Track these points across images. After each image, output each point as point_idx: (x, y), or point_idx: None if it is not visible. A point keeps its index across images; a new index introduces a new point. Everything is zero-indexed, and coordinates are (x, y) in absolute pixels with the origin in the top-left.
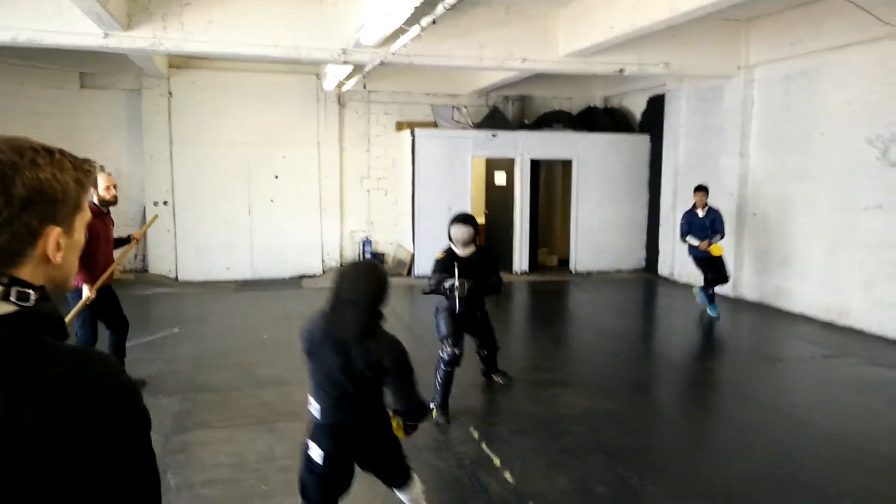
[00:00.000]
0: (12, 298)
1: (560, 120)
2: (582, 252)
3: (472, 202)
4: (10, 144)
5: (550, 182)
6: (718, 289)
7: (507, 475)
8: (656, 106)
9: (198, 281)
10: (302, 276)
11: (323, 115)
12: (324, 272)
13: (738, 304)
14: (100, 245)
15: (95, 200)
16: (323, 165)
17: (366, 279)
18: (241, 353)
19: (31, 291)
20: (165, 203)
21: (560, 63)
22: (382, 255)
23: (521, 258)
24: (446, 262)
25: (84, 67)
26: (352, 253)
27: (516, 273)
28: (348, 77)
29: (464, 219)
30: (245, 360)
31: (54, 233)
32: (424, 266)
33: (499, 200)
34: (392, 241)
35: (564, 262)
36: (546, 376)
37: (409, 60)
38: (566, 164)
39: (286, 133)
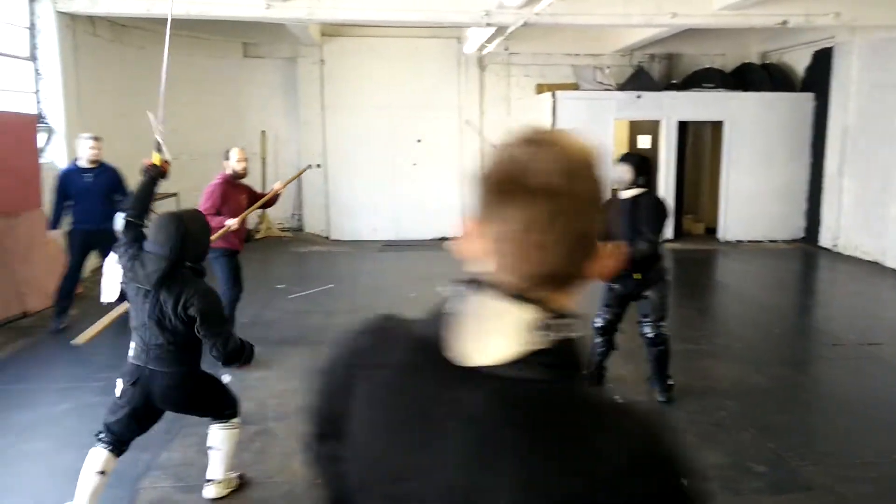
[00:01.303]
0: (545, 328)
1: (711, 79)
2: (732, 219)
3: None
4: (571, 150)
5: (698, 145)
6: (892, 261)
7: None
8: (823, 61)
9: (347, 240)
10: (443, 238)
11: (464, 79)
12: None
13: None
14: (228, 210)
15: (229, 172)
16: (464, 129)
17: (165, 231)
18: (390, 310)
19: (570, 321)
20: (319, 166)
21: (714, 17)
22: None
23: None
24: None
25: (246, 38)
26: None
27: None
28: (489, 40)
29: (623, 158)
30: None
31: (604, 251)
32: None
33: None
34: None
35: (711, 231)
36: (693, 347)
37: (554, 20)
38: (716, 126)
39: (428, 97)
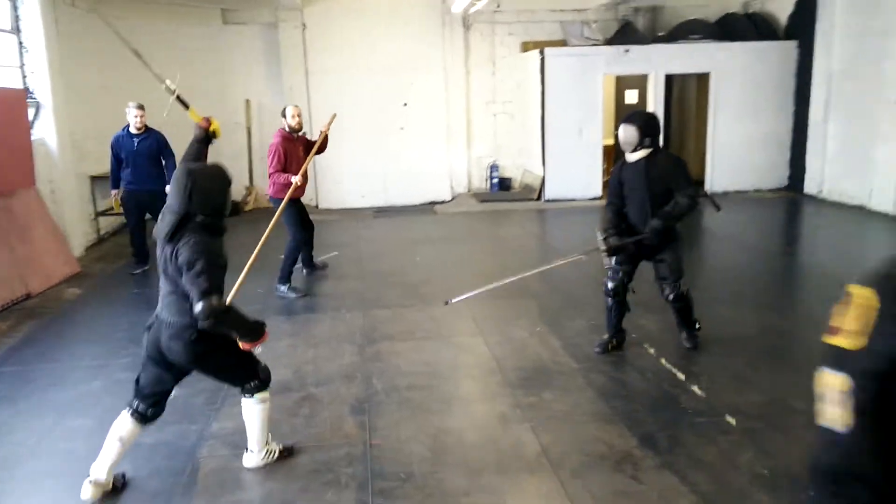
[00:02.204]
0: None
1: (697, 30)
2: (719, 171)
3: (603, 122)
4: None
5: (683, 98)
6: (877, 204)
7: (696, 389)
8: (806, 9)
9: (336, 209)
10: (432, 203)
11: (448, 39)
12: (452, 198)
13: None
14: (292, 163)
15: (286, 128)
16: (449, 91)
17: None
18: (400, 274)
19: None
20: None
21: None
22: (510, 179)
23: None
24: (613, 184)
25: (225, 4)
26: (479, 179)
27: None
28: None
29: (627, 118)
30: (406, 280)
31: None
32: (556, 190)
33: None
34: (518, 165)
35: (697, 183)
36: (705, 295)
37: None
38: (700, 78)
39: (413, 59)
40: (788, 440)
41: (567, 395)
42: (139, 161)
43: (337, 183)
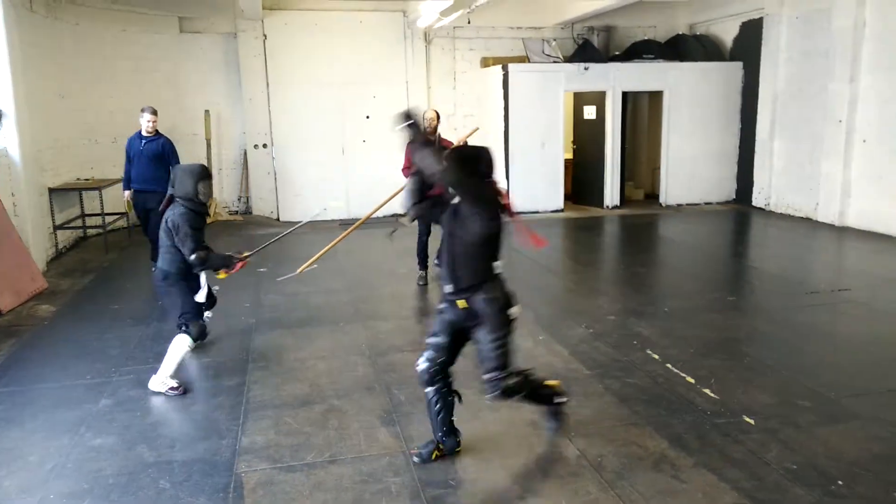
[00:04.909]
0: None
1: (650, 50)
2: (672, 184)
3: (564, 137)
4: None
5: (636, 114)
6: (823, 216)
7: (709, 392)
8: (751, 32)
9: (297, 221)
10: (395, 216)
11: (410, 53)
12: None
13: (844, 232)
14: None
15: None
16: (411, 103)
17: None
18: (387, 285)
19: None
20: (265, 146)
21: None
22: None
23: (612, 192)
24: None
25: (182, 12)
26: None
27: (608, 207)
28: (446, 13)
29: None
30: (394, 292)
31: None
32: (519, 202)
33: (587, 135)
34: None
35: (649, 196)
36: (692, 303)
37: None
38: (652, 95)
39: (375, 72)
40: (806, 436)
41: (588, 400)
42: (143, 162)
43: (298, 194)
